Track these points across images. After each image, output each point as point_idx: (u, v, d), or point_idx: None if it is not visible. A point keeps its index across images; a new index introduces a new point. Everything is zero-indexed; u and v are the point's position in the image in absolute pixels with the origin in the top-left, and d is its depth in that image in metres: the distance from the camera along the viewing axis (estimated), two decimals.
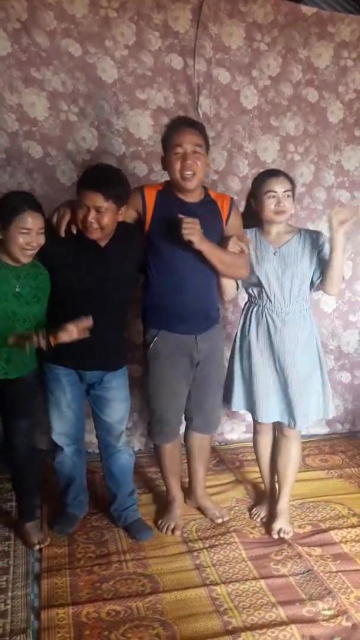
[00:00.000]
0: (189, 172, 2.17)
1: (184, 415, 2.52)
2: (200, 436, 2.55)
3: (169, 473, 2.55)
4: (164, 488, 2.63)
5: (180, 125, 2.21)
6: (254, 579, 2.16)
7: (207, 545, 2.37)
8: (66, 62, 2.73)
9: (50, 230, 2.11)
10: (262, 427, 2.54)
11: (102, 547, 2.37)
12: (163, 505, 2.62)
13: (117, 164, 2.82)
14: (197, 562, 2.27)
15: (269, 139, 3.16)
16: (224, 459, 3.15)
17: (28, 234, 2.00)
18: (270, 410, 2.41)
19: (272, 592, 2.09)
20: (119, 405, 2.39)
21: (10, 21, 2.61)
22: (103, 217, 2.08)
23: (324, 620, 1.95)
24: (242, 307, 2.52)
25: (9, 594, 2.08)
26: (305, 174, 3.26)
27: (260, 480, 2.70)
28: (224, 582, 2.14)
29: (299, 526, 2.52)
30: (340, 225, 2.17)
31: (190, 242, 2.10)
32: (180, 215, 2.09)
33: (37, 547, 2.32)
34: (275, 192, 2.26)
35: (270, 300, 2.35)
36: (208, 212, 2.27)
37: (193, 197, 2.27)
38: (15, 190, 2.37)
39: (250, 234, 2.39)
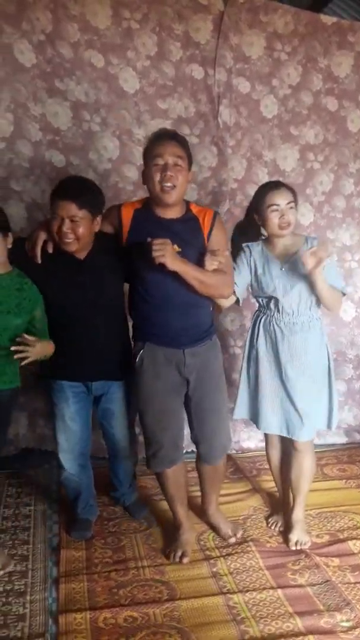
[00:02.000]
0: (168, 184, 2.04)
1: (192, 441, 2.40)
2: (208, 466, 2.39)
3: (173, 501, 2.40)
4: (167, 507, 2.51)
5: (161, 137, 2.11)
6: (271, 588, 2.16)
7: (224, 554, 2.37)
8: (89, 73, 2.78)
9: (25, 253, 2.13)
10: (270, 439, 2.54)
11: (120, 552, 2.38)
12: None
13: (137, 173, 2.85)
14: (214, 570, 2.27)
15: (288, 148, 3.17)
16: (241, 468, 3.14)
17: None
18: (273, 422, 2.39)
19: (290, 602, 2.08)
20: (124, 420, 2.42)
21: (35, 33, 2.66)
22: (78, 226, 2.05)
23: (342, 632, 1.93)
24: (252, 314, 2.50)
25: (28, 597, 2.10)
26: (325, 183, 3.26)
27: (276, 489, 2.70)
28: (240, 591, 2.13)
29: (317, 536, 2.51)
30: (316, 268, 2.12)
31: (162, 265, 1.98)
32: (149, 239, 1.97)
33: None
34: (278, 205, 2.23)
35: (278, 311, 2.33)
36: (188, 228, 2.15)
37: (172, 213, 2.14)
38: None
39: (257, 247, 2.36)
